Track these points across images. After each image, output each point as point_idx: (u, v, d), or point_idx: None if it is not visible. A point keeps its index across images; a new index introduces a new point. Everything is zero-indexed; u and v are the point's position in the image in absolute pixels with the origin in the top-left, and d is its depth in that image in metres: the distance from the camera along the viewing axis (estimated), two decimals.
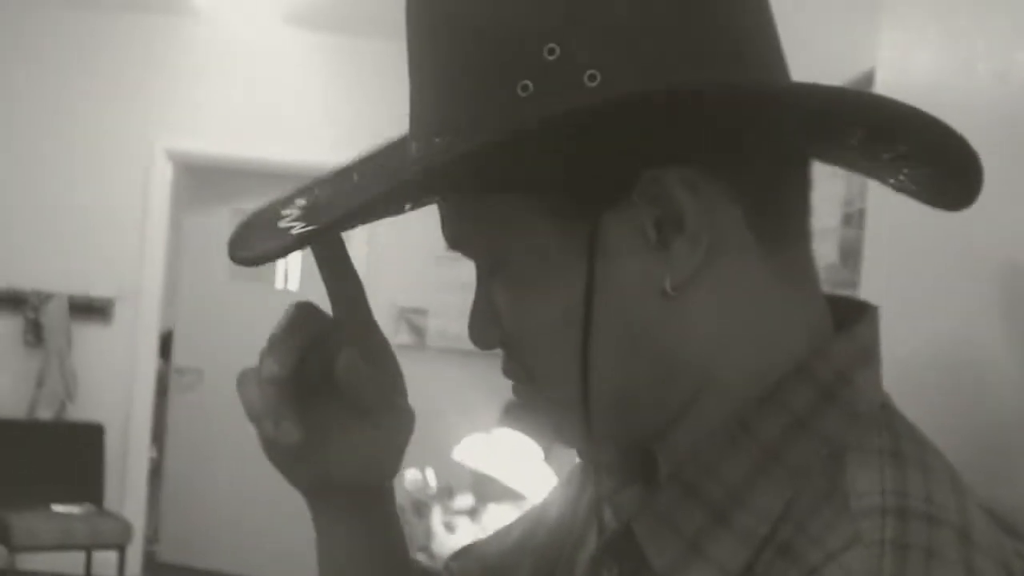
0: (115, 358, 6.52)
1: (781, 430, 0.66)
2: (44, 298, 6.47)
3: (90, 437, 6.35)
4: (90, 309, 6.53)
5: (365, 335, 0.82)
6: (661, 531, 0.67)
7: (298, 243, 0.67)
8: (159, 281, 6.68)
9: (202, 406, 6.94)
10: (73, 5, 6.48)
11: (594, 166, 0.65)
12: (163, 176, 6.64)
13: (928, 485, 0.62)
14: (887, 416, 0.68)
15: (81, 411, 6.45)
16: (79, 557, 6.05)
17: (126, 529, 5.93)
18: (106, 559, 5.91)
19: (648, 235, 0.66)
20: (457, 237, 0.73)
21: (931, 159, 0.67)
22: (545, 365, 0.71)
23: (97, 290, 6.55)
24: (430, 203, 0.73)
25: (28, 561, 5.91)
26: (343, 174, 0.78)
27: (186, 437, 7.16)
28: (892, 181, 0.72)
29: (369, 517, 0.87)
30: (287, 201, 0.76)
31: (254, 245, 0.72)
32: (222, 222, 6.49)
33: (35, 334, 6.46)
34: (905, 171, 0.70)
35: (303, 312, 0.78)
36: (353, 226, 0.70)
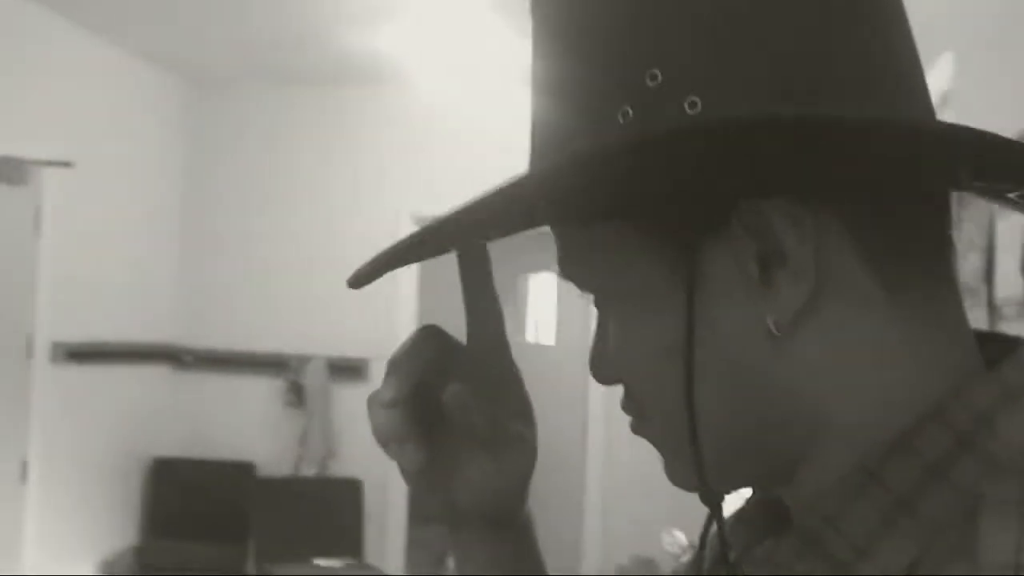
0: None
1: (912, 479, 0.60)
2: (304, 361, 6.81)
3: (350, 493, 6.63)
4: (347, 369, 6.86)
5: (490, 362, 0.81)
6: None
7: (396, 255, 0.68)
8: None
9: None
10: (318, 81, 6.84)
11: (691, 194, 0.62)
12: None
13: None
14: None
15: (341, 468, 6.75)
16: None
17: None
18: None
19: (750, 270, 0.62)
20: (565, 267, 0.72)
21: None
22: (652, 402, 0.69)
23: (353, 351, 6.87)
24: (533, 226, 0.70)
25: None
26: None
27: None
28: None
29: (505, 546, 0.86)
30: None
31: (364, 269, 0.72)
32: None
33: (297, 395, 6.83)
34: None
35: (425, 336, 0.78)
36: (456, 244, 0.73)
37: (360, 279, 0.71)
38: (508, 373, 0.82)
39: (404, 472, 0.78)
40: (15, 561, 5.69)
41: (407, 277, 6.87)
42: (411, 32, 5.74)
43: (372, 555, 6.56)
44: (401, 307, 6.90)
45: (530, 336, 8.05)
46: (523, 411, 0.83)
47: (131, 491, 6.78)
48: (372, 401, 0.75)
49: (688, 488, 0.69)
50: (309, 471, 6.76)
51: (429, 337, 0.78)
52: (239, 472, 6.81)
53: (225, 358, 7.06)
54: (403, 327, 6.87)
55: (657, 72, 0.61)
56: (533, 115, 0.70)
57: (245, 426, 6.98)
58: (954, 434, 0.60)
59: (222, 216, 7.17)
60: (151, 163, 6.91)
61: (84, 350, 6.14)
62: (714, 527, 0.73)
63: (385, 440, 0.76)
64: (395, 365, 0.76)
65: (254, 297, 7.06)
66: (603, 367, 0.71)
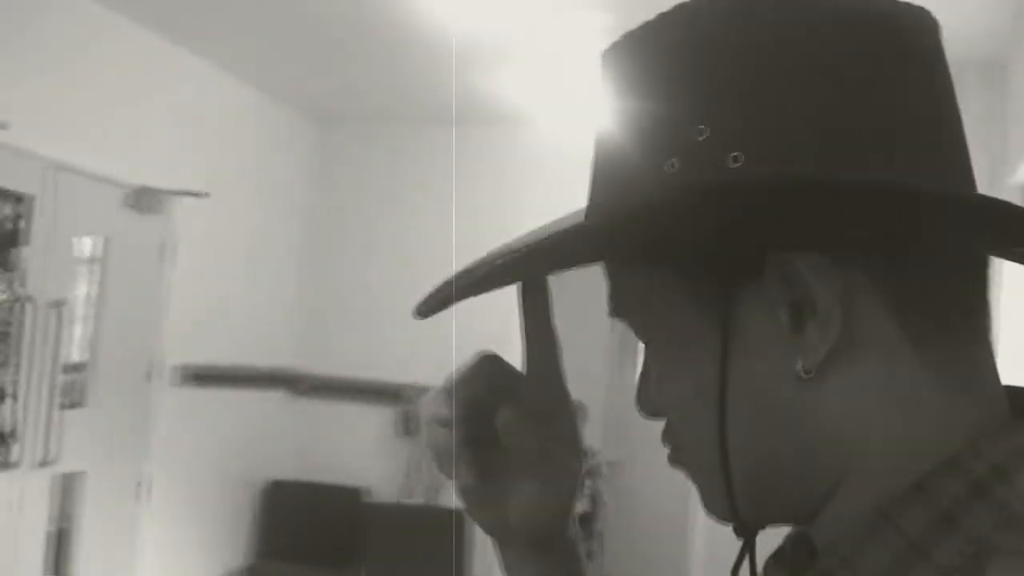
0: None
1: (925, 525, 0.61)
2: (417, 391, 6.90)
3: (456, 522, 6.69)
4: None
5: (544, 391, 0.84)
6: None
7: (461, 288, 0.72)
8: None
9: None
10: (438, 120, 6.96)
11: (728, 245, 0.66)
12: None
13: None
14: None
15: (450, 497, 6.80)
16: None
17: None
18: None
19: (781, 317, 0.65)
20: (614, 306, 0.76)
21: None
22: (688, 437, 0.72)
23: None
24: (587, 264, 0.74)
25: None
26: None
27: None
28: None
29: (548, 566, 0.89)
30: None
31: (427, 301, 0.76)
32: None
33: (409, 424, 6.92)
34: None
35: (483, 361, 0.83)
36: (518, 277, 0.77)
37: (426, 309, 0.75)
38: (561, 402, 0.85)
39: (456, 489, 0.83)
40: (131, 573, 5.83)
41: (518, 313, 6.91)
42: (529, 72, 5.84)
43: None
44: (513, 339, 6.93)
45: None
46: (571, 440, 0.86)
47: (245, 512, 6.90)
48: (429, 419, 0.81)
49: (722, 518, 0.72)
50: (419, 499, 6.84)
51: (487, 362, 0.83)
52: (350, 497, 6.90)
53: (340, 386, 7.20)
54: (514, 358, 6.91)
55: (704, 127, 0.64)
56: (594, 158, 0.74)
57: (357, 453, 7.09)
58: (969, 482, 0.61)
59: (341, 248, 7.33)
60: (276, 197, 7.10)
61: (204, 373, 6.31)
62: (746, 562, 0.76)
63: (439, 457, 0.81)
64: (453, 387, 0.81)
65: (370, 327, 7.18)
66: (646, 401, 0.76)
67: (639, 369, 0.78)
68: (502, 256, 0.71)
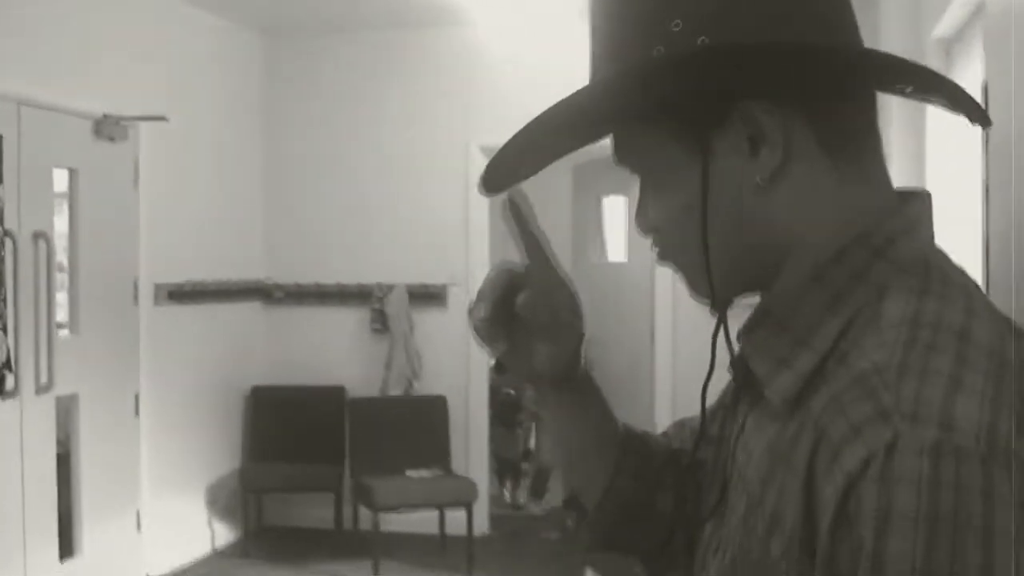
0: (452, 337, 7.11)
1: (844, 280, 0.90)
2: (387, 289, 7.18)
3: (435, 409, 7.03)
4: (427, 296, 7.20)
5: (543, 275, 1.11)
6: (762, 353, 0.94)
7: (500, 176, 1.06)
8: (485, 266, 7.22)
9: None
10: (384, 26, 7.14)
11: (703, 101, 0.93)
12: (480, 171, 7.09)
13: (941, 308, 0.84)
14: (925, 267, 0.89)
15: (426, 387, 7.13)
16: (432, 516, 6.77)
17: (472, 489, 6.57)
18: (456, 517, 6.54)
19: (742, 148, 0.92)
20: (620, 155, 1.03)
21: (938, 92, 0.97)
22: (676, 239, 1.00)
23: (432, 279, 7.21)
24: (600, 134, 1.03)
25: (389, 520, 6.59)
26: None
27: None
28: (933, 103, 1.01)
29: (570, 395, 1.20)
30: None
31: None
32: None
33: (381, 322, 7.20)
34: (934, 100, 0.99)
35: (499, 269, 1.11)
36: (535, 158, 1.04)
37: (493, 187, 1.09)
38: (557, 280, 1.13)
39: (497, 358, 1.17)
40: (134, 486, 6.13)
41: (478, 209, 7.16)
42: None
43: (458, 464, 6.94)
44: (474, 237, 7.20)
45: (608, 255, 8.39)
46: (571, 305, 1.14)
47: (233, 418, 7.17)
48: (471, 316, 1.13)
49: (704, 296, 1.02)
50: (396, 391, 7.10)
51: (501, 269, 1.13)
52: (331, 396, 7.16)
53: (312, 291, 7.42)
54: (477, 255, 7.17)
55: (679, 21, 0.93)
56: (591, 54, 1.02)
57: (334, 353, 7.33)
58: (872, 249, 0.90)
59: (301, 159, 7.48)
60: (233, 114, 7.24)
61: (183, 291, 6.52)
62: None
63: (482, 340, 1.14)
64: (481, 292, 1.13)
65: (337, 233, 7.37)
66: (643, 221, 1.04)
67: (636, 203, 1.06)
68: (525, 130, 1.00)
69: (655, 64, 0.93)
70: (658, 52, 0.92)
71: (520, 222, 1.10)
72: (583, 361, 1.21)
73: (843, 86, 0.95)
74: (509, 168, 1.07)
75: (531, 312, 1.10)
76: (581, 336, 1.16)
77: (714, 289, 0.99)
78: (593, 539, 1.25)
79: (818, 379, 0.87)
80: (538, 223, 1.12)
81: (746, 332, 0.98)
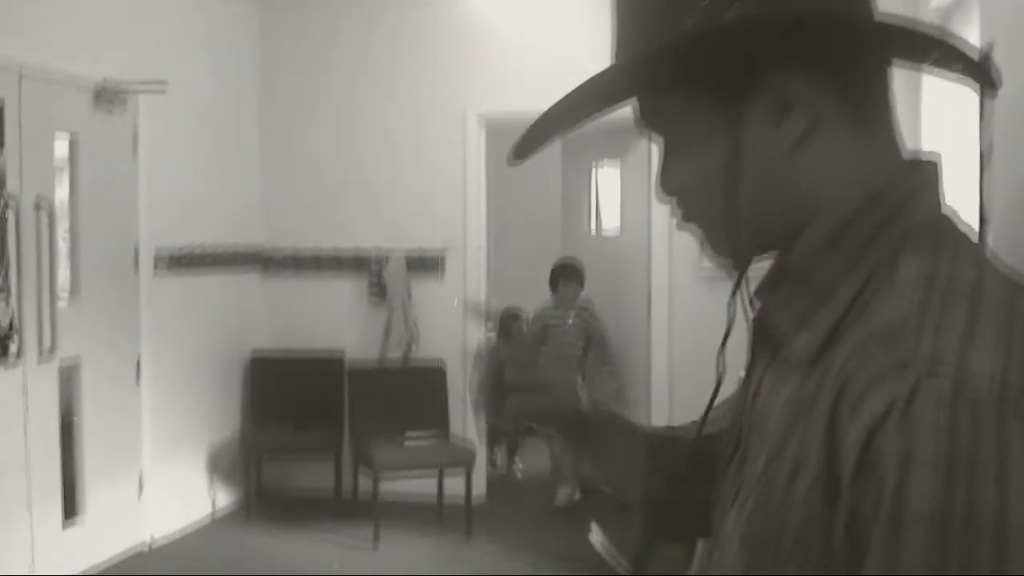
0: (449, 305, 7.13)
1: (862, 239, 0.94)
2: (384, 257, 7.21)
3: (434, 375, 7.08)
4: (424, 264, 7.23)
5: (523, 353, 1.35)
6: (785, 311, 0.99)
7: (531, 144, 1.12)
8: (483, 233, 7.32)
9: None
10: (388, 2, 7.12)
11: (735, 70, 0.96)
12: (477, 139, 7.20)
13: (953, 265, 0.89)
14: (937, 227, 0.95)
15: (424, 353, 7.18)
16: (431, 483, 6.85)
17: (470, 453, 6.65)
18: (454, 484, 6.63)
19: (771, 114, 0.96)
20: (647, 119, 1.07)
21: (959, 62, 1.01)
22: (702, 202, 1.04)
23: (429, 246, 7.23)
24: (628, 98, 1.05)
25: (388, 488, 6.63)
26: None
27: None
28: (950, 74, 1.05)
29: (593, 431, 1.34)
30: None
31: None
32: None
33: (379, 290, 7.24)
34: (954, 69, 1.03)
35: (491, 348, 1.32)
36: (569, 119, 1.08)
37: (522, 152, 1.15)
38: (533, 354, 1.35)
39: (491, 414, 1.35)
40: (135, 452, 6.19)
41: (475, 175, 7.19)
42: None
43: (456, 429, 7.01)
44: (471, 204, 7.23)
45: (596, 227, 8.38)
46: (556, 367, 1.33)
47: (233, 385, 7.21)
48: (474, 381, 1.32)
49: (725, 256, 1.08)
50: (395, 358, 7.15)
51: (492, 347, 1.34)
52: (330, 363, 7.21)
53: (311, 259, 7.45)
54: (474, 223, 7.21)
55: None
56: (618, 27, 1.07)
57: (333, 321, 7.36)
58: (887, 210, 0.95)
59: (299, 127, 7.48)
60: (232, 81, 7.23)
61: (182, 259, 6.55)
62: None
63: (482, 399, 1.33)
64: (478, 366, 1.32)
65: (334, 200, 7.39)
66: (668, 185, 1.07)
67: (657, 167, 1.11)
68: (570, 97, 1.04)
69: (688, 36, 0.97)
70: (690, 24, 0.97)
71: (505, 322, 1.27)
72: (584, 403, 1.32)
73: (869, 56, 1.00)
74: (540, 137, 1.12)
75: (518, 382, 1.29)
76: (573, 387, 1.32)
77: (737, 246, 1.04)
78: (645, 535, 1.36)
79: (838, 334, 0.92)
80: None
81: (768, 291, 1.04)
